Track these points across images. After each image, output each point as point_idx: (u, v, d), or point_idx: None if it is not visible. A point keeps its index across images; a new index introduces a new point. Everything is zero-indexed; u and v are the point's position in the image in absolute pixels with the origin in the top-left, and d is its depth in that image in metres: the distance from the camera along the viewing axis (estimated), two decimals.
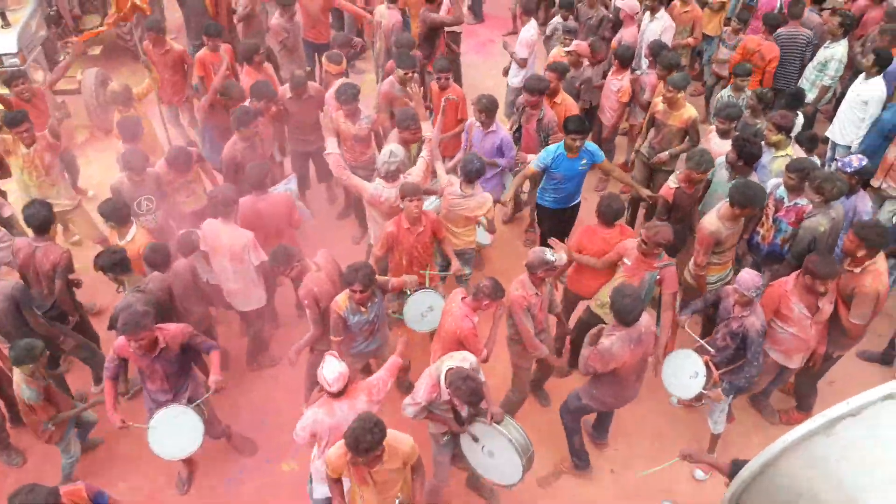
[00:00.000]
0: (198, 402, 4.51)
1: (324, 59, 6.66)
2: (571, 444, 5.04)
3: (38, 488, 3.43)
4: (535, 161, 5.87)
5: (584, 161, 5.81)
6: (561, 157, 5.79)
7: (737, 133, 6.01)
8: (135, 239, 5.07)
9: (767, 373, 4.98)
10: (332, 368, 3.86)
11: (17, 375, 4.41)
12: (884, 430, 1.89)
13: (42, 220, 4.96)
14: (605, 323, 5.14)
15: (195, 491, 4.95)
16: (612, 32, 7.86)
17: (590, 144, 5.85)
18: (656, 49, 6.92)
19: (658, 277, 4.96)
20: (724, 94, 6.98)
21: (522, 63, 7.57)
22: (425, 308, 4.96)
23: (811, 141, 6.02)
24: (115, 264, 4.68)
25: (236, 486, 5.13)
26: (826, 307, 4.70)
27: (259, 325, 5.60)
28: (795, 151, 5.87)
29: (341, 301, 4.44)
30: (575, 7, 7.78)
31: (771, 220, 5.65)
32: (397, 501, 3.94)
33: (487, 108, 5.92)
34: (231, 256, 5.05)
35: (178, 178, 5.64)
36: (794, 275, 4.78)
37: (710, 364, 4.58)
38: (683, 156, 5.86)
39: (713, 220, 5.14)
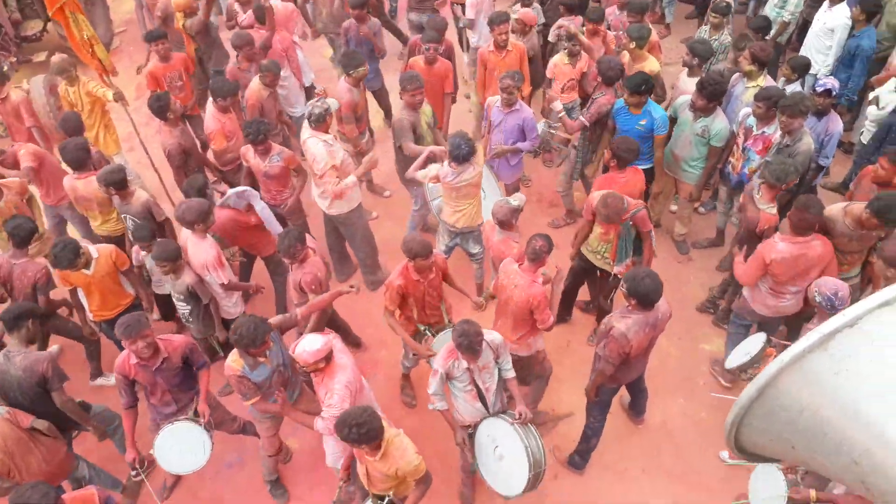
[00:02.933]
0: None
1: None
2: (586, 442, 4.89)
3: (39, 486, 3.37)
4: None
5: (643, 122, 5.70)
6: (622, 110, 5.75)
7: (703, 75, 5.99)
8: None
9: None
10: (312, 341, 3.82)
11: None
12: (880, 337, 1.86)
13: (27, 232, 4.91)
14: (596, 266, 5.14)
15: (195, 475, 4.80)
16: None
17: (657, 110, 5.72)
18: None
19: (632, 223, 4.95)
20: (703, 30, 6.95)
21: (470, 24, 7.50)
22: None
23: (805, 67, 5.98)
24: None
25: (237, 469, 5.12)
26: None
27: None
28: (767, 82, 5.85)
29: (234, 363, 4.09)
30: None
31: (741, 149, 5.67)
32: (387, 499, 3.88)
33: (509, 87, 5.70)
34: (198, 269, 4.98)
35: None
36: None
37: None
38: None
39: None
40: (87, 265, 4.92)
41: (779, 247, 4.63)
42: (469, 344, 3.83)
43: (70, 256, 4.74)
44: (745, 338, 5.20)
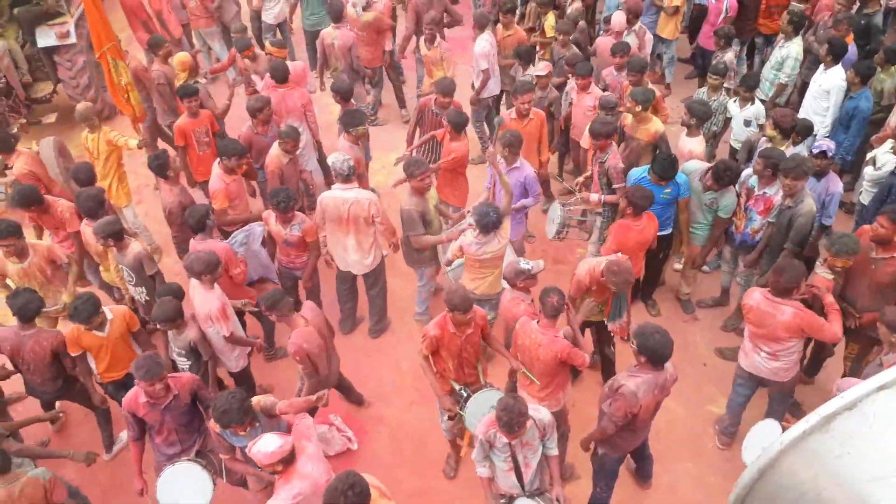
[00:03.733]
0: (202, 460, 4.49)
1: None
2: None
3: None
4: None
5: (668, 190, 5.77)
6: (645, 181, 5.78)
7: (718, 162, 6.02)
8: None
9: None
10: (270, 442, 3.68)
11: None
12: (879, 421, 1.86)
13: (34, 311, 4.94)
14: (593, 322, 5.14)
15: None
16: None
17: (680, 176, 5.81)
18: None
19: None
20: (700, 92, 7.09)
21: (486, 74, 7.64)
22: (487, 408, 4.52)
23: (808, 130, 6.15)
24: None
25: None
26: None
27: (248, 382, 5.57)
28: (789, 150, 5.95)
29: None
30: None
31: (743, 208, 5.73)
32: None
33: (511, 144, 5.79)
34: (202, 320, 5.01)
35: None
36: None
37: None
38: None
39: None
40: (101, 326, 4.92)
41: (755, 295, 4.79)
42: (509, 421, 3.75)
43: (90, 310, 4.73)
44: (745, 401, 5.24)
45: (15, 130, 7.29)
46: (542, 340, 4.44)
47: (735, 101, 6.90)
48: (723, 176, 5.62)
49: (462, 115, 6.32)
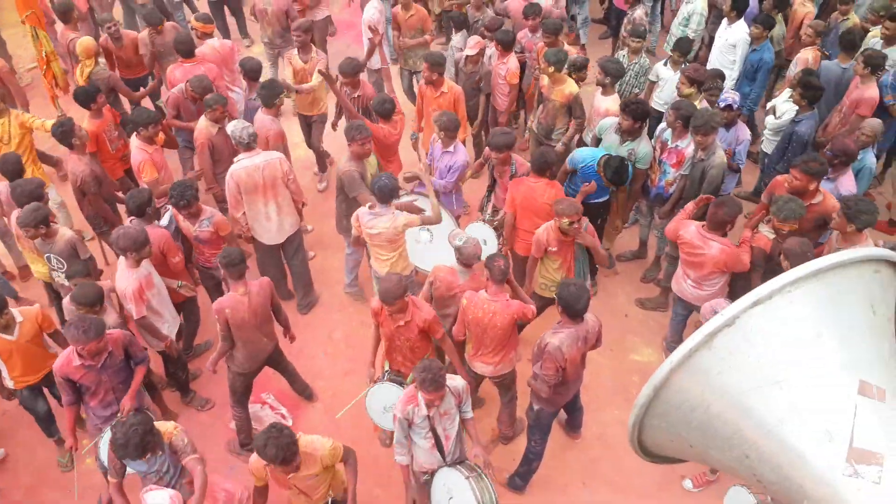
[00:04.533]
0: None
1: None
2: (527, 464, 4.95)
3: None
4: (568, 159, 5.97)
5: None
6: (591, 171, 5.82)
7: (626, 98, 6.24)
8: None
9: None
10: (159, 500, 3.54)
11: None
12: (756, 334, 1.97)
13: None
14: (550, 303, 5.22)
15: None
16: None
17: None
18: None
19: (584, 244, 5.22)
20: (621, 54, 7.19)
21: (372, 42, 7.53)
22: (381, 407, 4.59)
23: (721, 77, 6.34)
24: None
25: None
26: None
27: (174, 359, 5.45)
28: (702, 104, 6.12)
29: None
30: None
31: (657, 161, 5.91)
32: (329, 501, 3.89)
33: (446, 128, 5.74)
34: (122, 297, 4.94)
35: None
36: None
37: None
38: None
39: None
40: (7, 329, 4.65)
41: (690, 228, 5.14)
42: (433, 378, 3.72)
43: None
44: (683, 320, 5.62)
45: None
46: (495, 308, 4.50)
47: (666, 64, 6.94)
48: (631, 108, 5.71)
49: (385, 103, 6.10)
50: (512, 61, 6.95)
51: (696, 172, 5.68)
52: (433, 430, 4.04)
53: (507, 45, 6.88)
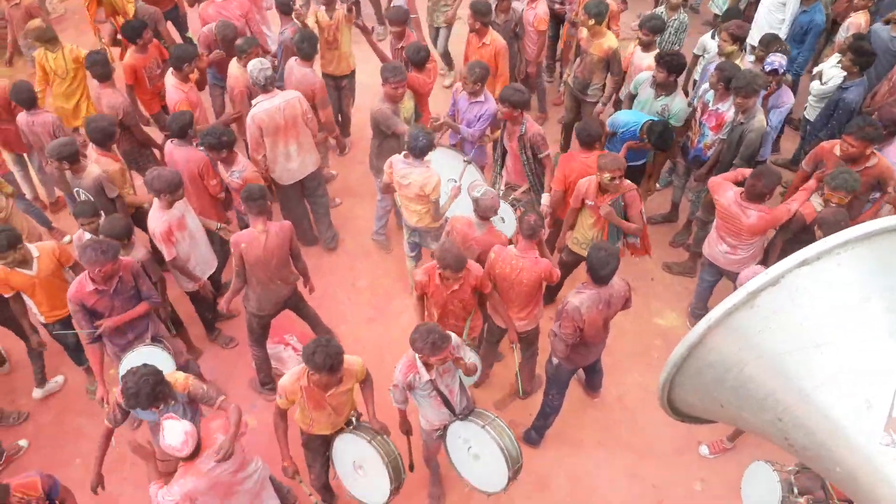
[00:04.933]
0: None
1: None
2: (543, 419, 4.95)
3: None
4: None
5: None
6: (631, 133, 5.71)
7: (658, 50, 6.04)
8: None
9: None
10: (174, 432, 3.41)
11: None
12: (801, 295, 1.90)
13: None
14: (581, 260, 5.16)
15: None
16: None
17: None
18: None
19: (623, 203, 5.05)
20: (660, 10, 6.97)
21: None
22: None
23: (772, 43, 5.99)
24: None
25: None
26: None
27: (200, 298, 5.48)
28: (745, 63, 5.90)
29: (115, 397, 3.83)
30: None
31: (698, 123, 5.76)
32: (353, 419, 3.98)
33: (481, 79, 5.59)
34: (154, 238, 5.03)
35: None
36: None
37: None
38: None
39: None
40: (25, 264, 4.67)
41: (728, 194, 5.00)
42: (433, 342, 3.64)
43: (2, 243, 4.44)
44: (709, 286, 5.52)
45: None
46: (523, 265, 4.47)
47: (714, 37, 6.54)
48: (666, 60, 5.57)
49: (420, 52, 5.97)
50: (540, 6, 6.78)
51: (735, 136, 5.52)
52: (437, 389, 4.01)
53: None
